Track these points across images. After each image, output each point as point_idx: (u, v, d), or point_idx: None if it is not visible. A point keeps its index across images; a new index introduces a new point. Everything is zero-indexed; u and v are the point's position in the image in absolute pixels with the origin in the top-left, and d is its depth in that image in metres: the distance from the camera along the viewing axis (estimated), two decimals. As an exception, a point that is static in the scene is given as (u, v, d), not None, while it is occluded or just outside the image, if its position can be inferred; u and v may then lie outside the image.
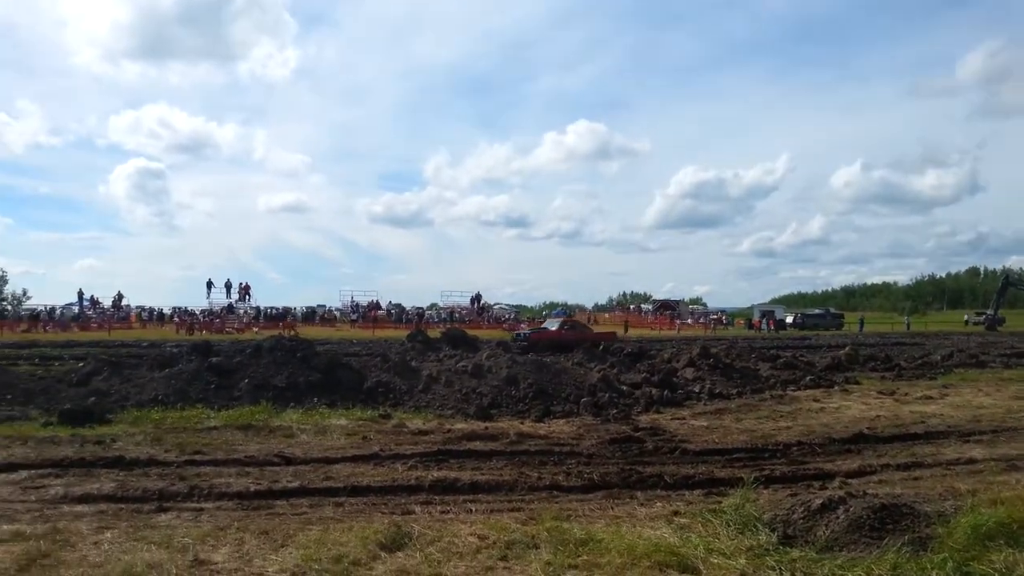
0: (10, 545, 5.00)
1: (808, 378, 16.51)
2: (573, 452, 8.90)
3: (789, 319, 61.50)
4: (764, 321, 57.30)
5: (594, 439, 9.71)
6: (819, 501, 5.62)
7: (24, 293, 79.06)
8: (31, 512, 6.15)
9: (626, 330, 49.19)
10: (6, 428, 10.05)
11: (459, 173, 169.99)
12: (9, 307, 67.67)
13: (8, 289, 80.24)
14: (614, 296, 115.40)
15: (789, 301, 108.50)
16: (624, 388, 13.83)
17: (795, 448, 9.31)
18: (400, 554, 5.00)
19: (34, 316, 52.14)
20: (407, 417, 11.28)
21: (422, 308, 59.27)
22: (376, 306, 57.12)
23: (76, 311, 54.30)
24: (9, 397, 12.36)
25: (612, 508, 6.60)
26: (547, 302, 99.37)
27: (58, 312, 54.59)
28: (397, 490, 7.05)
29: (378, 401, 12.49)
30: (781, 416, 11.95)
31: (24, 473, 7.49)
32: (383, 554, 4.96)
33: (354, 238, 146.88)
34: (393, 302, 60.61)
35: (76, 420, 10.33)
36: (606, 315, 74.72)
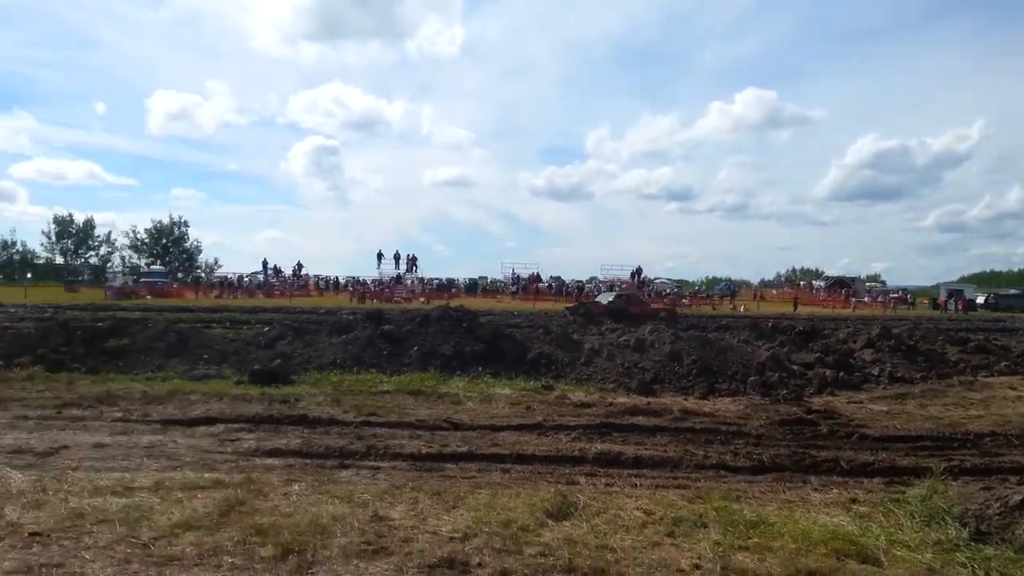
0: (212, 492, 5.46)
1: (1003, 364, 15.12)
2: (740, 432, 8.64)
3: (980, 299, 56.73)
4: (951, 301, 53.26)
5: (762, 419, 9.38)
6: (1018, 497, 5.16)
7: (215, 262, 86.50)
8: (228, 463, 6.70)
9: (795, 308, 47.20)
10: (204, 385, 10.97)
11: (620, 146, 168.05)
12: (203, 275, 74.02)
13: (202, 258, 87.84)
14: (782, 272, 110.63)
15: (980, 280, 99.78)
16: (795, 368, 13.26)
17: (988, 439, 8.57)
18: (566, 523, 5.04)
19: (224, 283, 56.79)
20: (569, 389, 11.35)
21: (581, 281, 59.39)
22: (537, 279, 57.84)
23: (261, 279, 58.63)
24: (206, 357, 13.48)
25: (783, 492, 6.36)
26: (709, 276, 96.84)
27: (245, 280, 59.13)
28: (561, 460, 7.12)
29: (540, 372, 12.64)
30: (971, 403, 11.05)
31: (221, 427, 8.17)
32: (550, 522, 5.03)
33: (515, 211, 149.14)
34: (553, 275, 61.22)
35: (264, 380, 11.13)
36: (773, 291, 71.92)
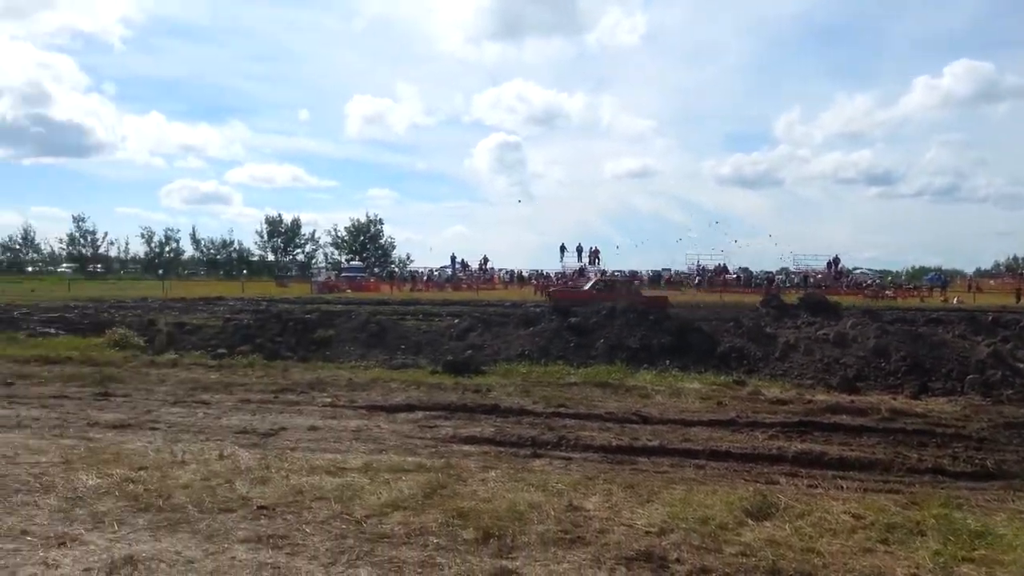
0: (415, 475, 5.72)
1: None
2: (959, 434, 7.94)
3: None
4: None
5: (984, 422, 8.56)
6: None
7: (408, 257, 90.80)
8: (428, 448, 7.02)
9: (1019, 299, 42.64)
10: (402, 374, 11.54)
11: (813, 129, 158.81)
12: (396, 269, 77.96)
13: (395, 254, 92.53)
14: (1001, 260, 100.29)
15: None
16: (1021, 366, 12.00)
17: None
18: (767, 523, 4.84)
19: (416, 277, 59.52)
20: (763, 385, 10.92)
21: (771, 272, 56.98)
22: (723, 270, 56.17)
23: (449, 273, 60.95)
24: (403, 347, 14.18)
25: (1012, 501, 5.77)
26: (915, 266, 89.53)
27: (435, 274, 61.68)
28: (758, 458, 6.86)
29: (731, 367, 12.25)
30: None
31: (420, 413, 8.56)
32: (750, 521, 4.85)
33: (699, 201, 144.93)
34: (740, 266, 59.17)
35: (457, 370, 11.54)
36: (991, 281, 65.44)
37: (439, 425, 7.99)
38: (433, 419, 8.30)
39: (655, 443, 7.21)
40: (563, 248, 58.01)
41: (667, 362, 12.27)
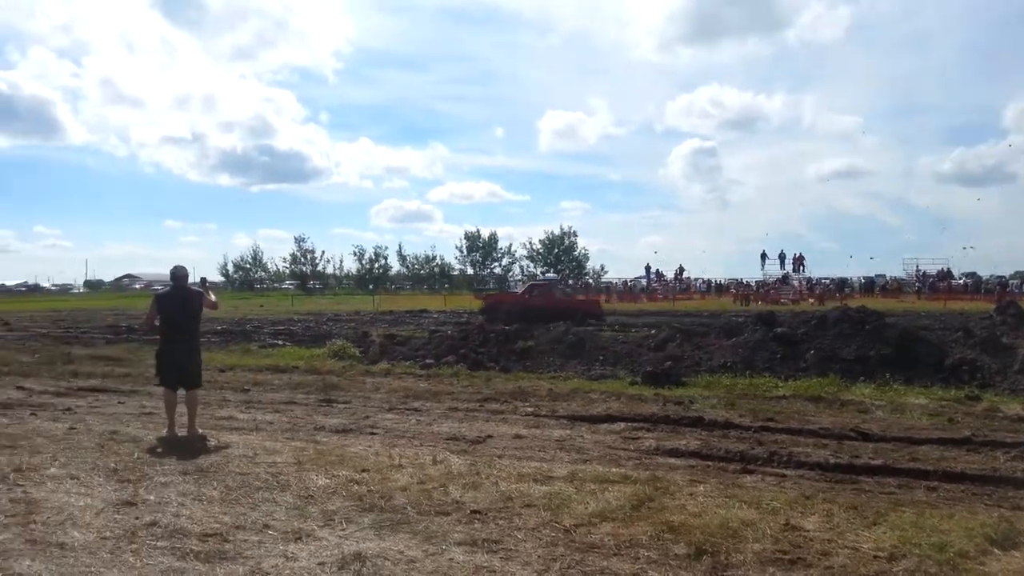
0: (621, 486, 5.68)
1: None
2: None
3: None
4: None
5: None
6: None
7: (602, 268, 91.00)
8: (632, 459, 6.95)
9: None
10: (601, 384, 11.54)
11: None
12: (591, 280, 78.34)
13: (589, 265, 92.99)
14: None
15: None
16: None
17: None
18: (1016, 554, 4.35)
19: (610, 288, 59.41)
20: (1000, 400, 9.86)
21: (1004, 277, 51.56)
22: (946, 275, 51.54)
23: (644, 283, 60.35)
24: (601, 358, 14.20)
25: None
26: None
27: (629, 284, 61.33)
28: (999, 481, 6.19)
29: (962, 380, 11.16)
30: None
31: (621, 424, 8.51)
32: (994, 550, 4.38)
33: (916, 201, 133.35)
34: (966, 271, 54.04)
35: (656, 381, 11.37)
36: None
37: (642, 437, 7.89)
38: (635, 431, 8.21)
39: (878, 462, 6.70)
40: (764, 256, 55.80)
41: (887, 375, 11.38)
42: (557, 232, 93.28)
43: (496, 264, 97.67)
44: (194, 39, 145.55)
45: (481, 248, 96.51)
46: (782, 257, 55.29)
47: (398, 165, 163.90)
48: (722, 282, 61.04)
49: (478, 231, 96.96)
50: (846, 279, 53.93)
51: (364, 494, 5.50)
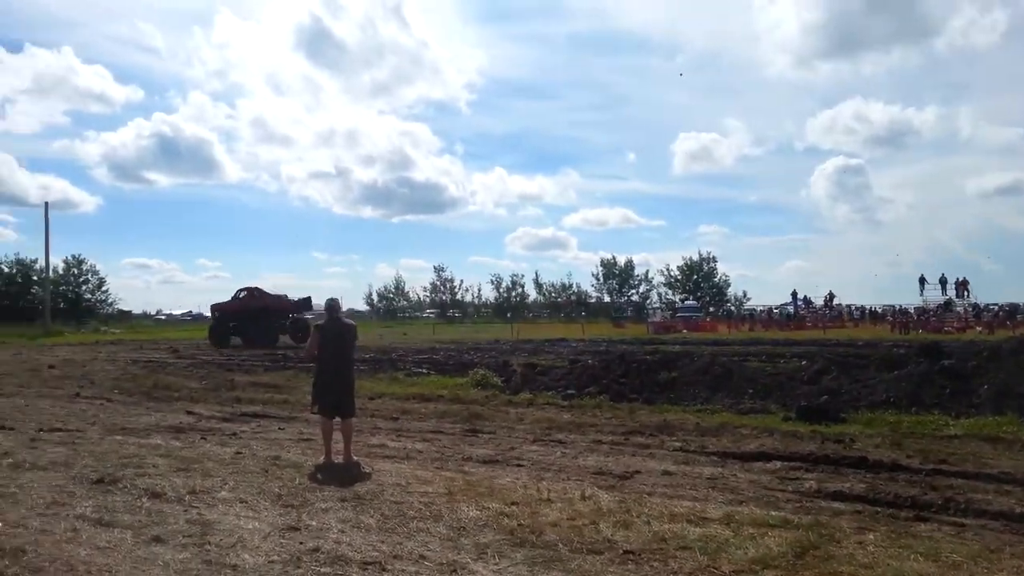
0: (782, 531, 5.41)
1: None
2: None
3: None
4: None
5: None
6: None
7: (744, 295, 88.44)
8: (791, 502, 6.61)
9: None
10: (751, 419, 11.10)
11: None
12: (733, 308, 76.21)
13: (730, 291, 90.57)
14: None
15: None
16: None
17: None
18: None
19: (754, 316, 57.56)
20: None
21: None
22: None
23: (791, 311, 58.00)
24: (750, 391, 13.68)
25: None
26: None
27: (775, 312, 59.13)
28: None
29: None
30: None
31: (777, 463, 8.12)
32: None
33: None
34: None
35: (812, 417, 10.82)
36: None
37: (801, 478, 7.50)
38: (792, 470, 7.82)
39: (1074, 513, 6.07)
40: (923, 280, 52.45)
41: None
42: (695, 258, 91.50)
43: (633, 291, 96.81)
44: (335, 78, 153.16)
45: (617, 275, 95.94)
46: (943, 282, 51.80)
47: (531, 193, 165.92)
48: (877, 309, 57.82)
49: (614, 258, 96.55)
50: (1017, 305, 49.84)
51: (515, 528, 5.50)
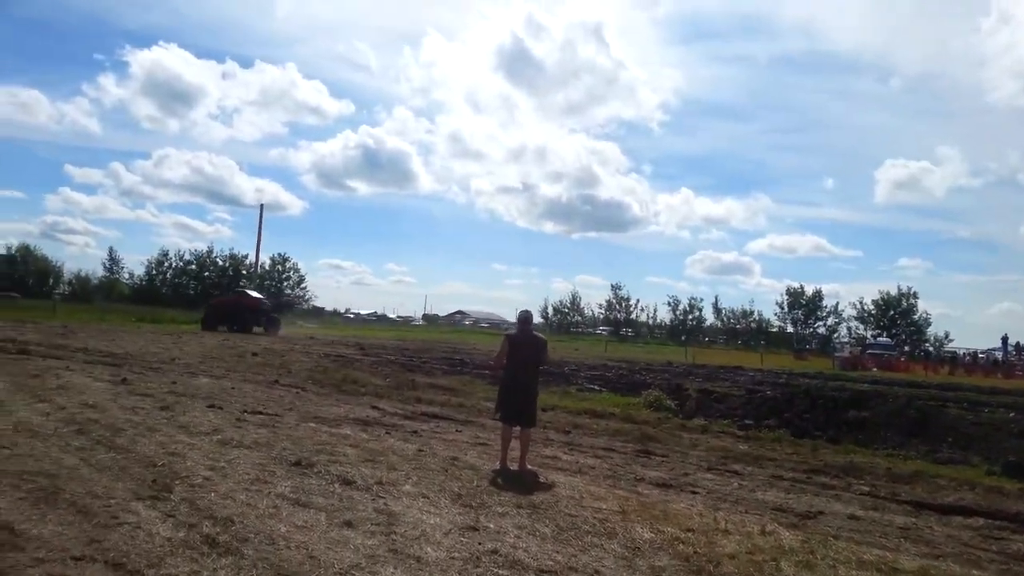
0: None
1: None
2: None
3: None
4: None
5: None
6: None
7: (945, 336, 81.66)
8: (994, 563, 6.06)
9: None
10: (949, 470, 10.26)
11: None
12: (931, 349, 70.62)
13: (930, 331, 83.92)
14: None
15: None
16: None
17: None
18: None
19: (955, 359, 52.97)
20: None
21: None
22: None
23: (999, 356, 52.94)
24: (949, 440, 12.64)
25: None
26: None
27: (980, 356, 54.19)
28: None
29: None
30: None
31: (980, 520, 7.46)
32: None
33: None
34: None
35: (1020, 473, 9.86)
36: None
37: (1007, 538, 6.85)
38: (997, 530, 7.15)
39: None
40: None
41: None
42: (893, 292, 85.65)
43: (820, 323, 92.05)
44: (531, 97, 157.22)
45: (804, 305, 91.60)
46: None
47: (717, 216, 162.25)
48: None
49: (801, 287, 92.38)
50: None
51: (690, 555, 5.40)
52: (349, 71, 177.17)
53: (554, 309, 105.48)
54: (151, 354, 20.17)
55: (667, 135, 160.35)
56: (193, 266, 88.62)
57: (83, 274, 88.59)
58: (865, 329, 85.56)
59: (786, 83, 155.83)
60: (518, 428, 8.47)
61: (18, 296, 64.50)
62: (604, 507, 6.70)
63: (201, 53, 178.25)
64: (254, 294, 46.36)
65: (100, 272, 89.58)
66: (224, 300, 45.22)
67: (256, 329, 39.95)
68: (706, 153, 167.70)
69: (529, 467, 8.25)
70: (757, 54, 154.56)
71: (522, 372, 8.55)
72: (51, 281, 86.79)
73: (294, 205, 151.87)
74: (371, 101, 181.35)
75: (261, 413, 10.97)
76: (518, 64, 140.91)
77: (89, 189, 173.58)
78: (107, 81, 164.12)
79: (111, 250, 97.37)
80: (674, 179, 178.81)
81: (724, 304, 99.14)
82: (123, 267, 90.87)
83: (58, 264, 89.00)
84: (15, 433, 7.91)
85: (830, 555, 5.66)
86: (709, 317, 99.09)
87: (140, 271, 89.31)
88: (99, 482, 6.17)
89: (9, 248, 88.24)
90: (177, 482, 6.37)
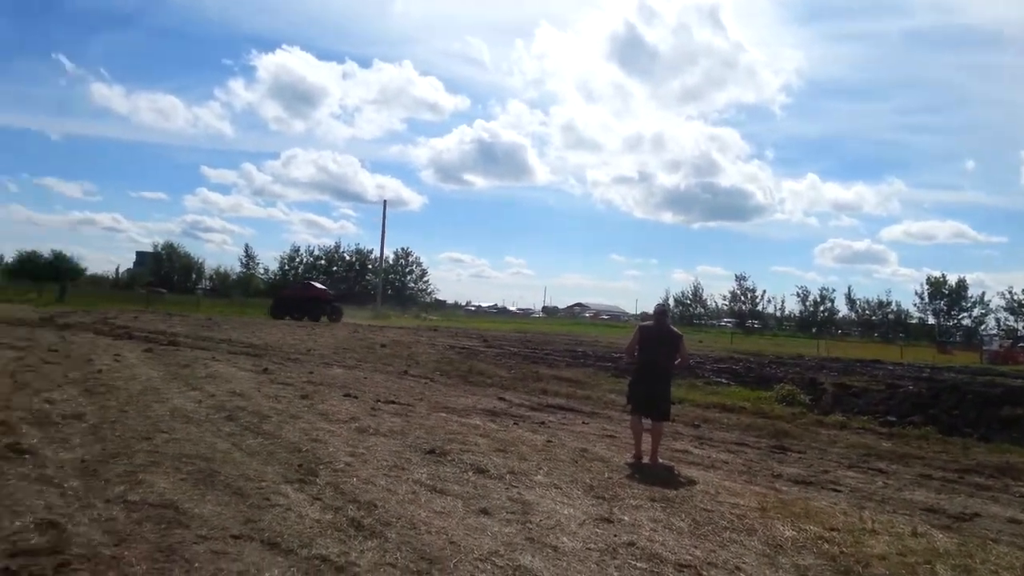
0: None
1: None
2: None
3: None
4: None
5: None
6: None
7: None
8: None
9: None
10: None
11: None
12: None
13: (1091, 323, 77.30)
14: None
15: None
16: None
17: None
18: None
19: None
20: None
21: None
22: None
23: None
24: (1121, 440, 11.59)
25: None
26: None
27: None
28: None
29: None
30: None
31: None
32: None
33: None
34: None
35: None
36: None
37: None
38: None
39: None
40: None
41: None
42: (1047, 282, 79.37)
43: (964, 315, 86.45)
44: (645, 85, 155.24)
45: (947, 295, 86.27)
46: None
47: (847, 201, 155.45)
48: None
49: (943, 276, 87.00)
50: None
51: (837, 555, 5.17)
52: (463, 66, 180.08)
53: (676, 300, 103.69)
54: (288, 345, 21.16)
55: (790, 118, 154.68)
56: (322, 261, 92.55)
57: (222, 270, 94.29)
58: (1016, 321, 79.80)
59: (918, 60, 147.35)
60: (648, 421, 8.36)
61: (165, 291, 69.35)
62: (741, 503, 6.51)
63: (322, 55, 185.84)
64: (319, 285, 49.36)
65: (237, 268, 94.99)
66: (292, 291, 48.53)
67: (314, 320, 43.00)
68: (833, 136, 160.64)
69: (661, 461, 8.13)
70: (886, 31, 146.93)
71: (654, 365, 8.44)
72: (194, 277, 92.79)
73: (414, 200, 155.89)
74: (485, 95, 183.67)
75: (394, 402, 11.30)
76: (631, 51, 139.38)
77: (224, 189, 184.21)
78: (236, 85, 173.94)
79: (247, 247, 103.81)
80: (799, 164, 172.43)
81: (858, 294, 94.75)
82: (258, 262, 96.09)
83: (199, 260, 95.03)
84: (172, 419, 8.45)
85: (990, 560, 5.31)
86: (842, 308, 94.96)
87: (274, 266, 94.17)
88: (250, 465, 6.51)
89: (155, 246, 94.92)
90: (321, 467, 6.64)
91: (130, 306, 41.81)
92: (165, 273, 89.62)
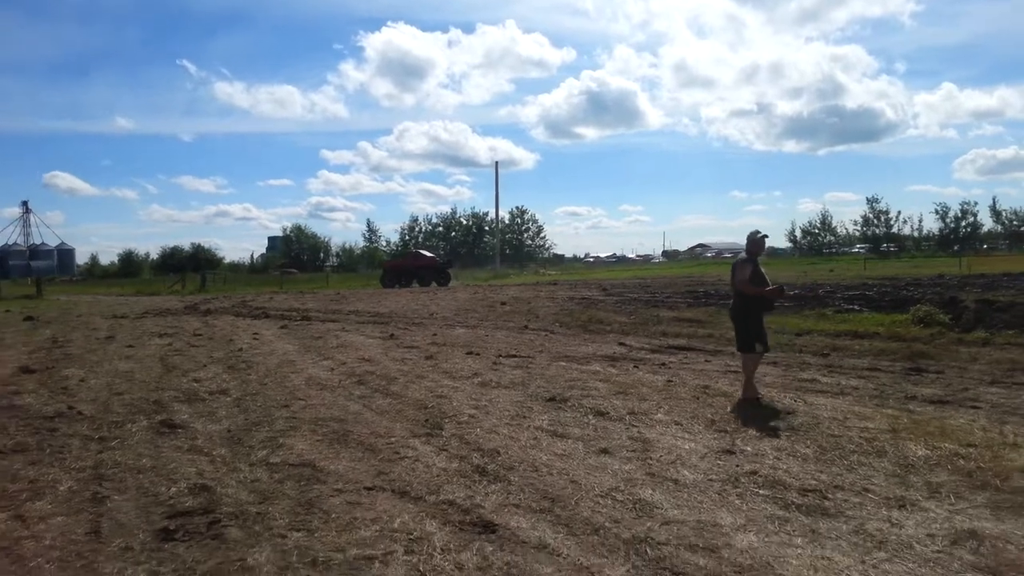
0: None
1: None
2: None
3: None
4: None
5: None
6: None
7: None
8: None
9: None
10: None
11: None
12: None
13: None
14: None
15: None
16: None
17: None
18: None
19: None
20: None
21: None
22: None
23: None
24: None
25: None
26: None
27: None
28: None
29: None
30: None
31: None
32: None
33: None
34: None
35: None
36: None
37: None
38: None
39: None
40: None
41: None
42: None
43: None
44: (759, 12, 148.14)
45: (1106, 198, 79.09)
46: None
47: (989, 108, 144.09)
48: None
49: (1099, 177, 79.60)
50: None
51: (973, 470, 4.98)
52: (567, 18, 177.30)
53: (803, 231, 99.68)
54: (412, 311, 21.84)
55: (921, 27, 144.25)
56: (440, 228, 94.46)
57: (347, 246, 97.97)
58: None
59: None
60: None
61: (296, 271, 72.81)
62: (871, 426, 6.34)
63: (426, 26, 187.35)
64: (427, 253, 50.86)
65: (361, 243, 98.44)
66: (401, 261, 50.60)
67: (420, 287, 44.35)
68: (970, 40, 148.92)
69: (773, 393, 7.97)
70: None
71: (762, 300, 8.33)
72: (321, 255, 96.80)
73: (526, 159, 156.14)
74: (591, 45, 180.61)
75: (514, 356, 11.53)
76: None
77: (343, 169, 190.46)
78: (347, 67, 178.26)
79: (368, 222, 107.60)
80: (933, 75, 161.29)
81: (1004, 205, 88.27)
82: (380, 236, 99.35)
83: (326, 239, 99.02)
84: (307, 387, 8.97)
85: None
86: (987, 222, 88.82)
87: (395, 238, 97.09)
88: (380, 424, 6.86)
89: (285, 230, 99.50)
90: (446, 421, 6.92)
91: (265, 288, 44.16)
92: (295, 254, 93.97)
